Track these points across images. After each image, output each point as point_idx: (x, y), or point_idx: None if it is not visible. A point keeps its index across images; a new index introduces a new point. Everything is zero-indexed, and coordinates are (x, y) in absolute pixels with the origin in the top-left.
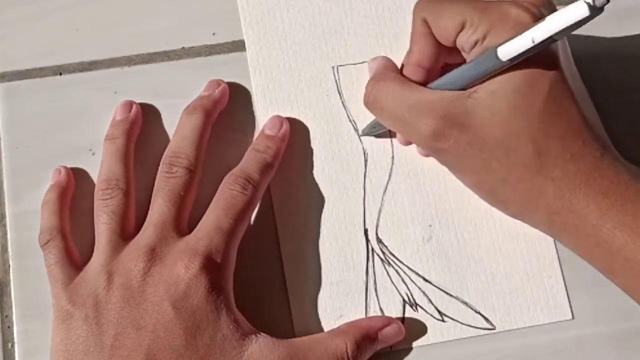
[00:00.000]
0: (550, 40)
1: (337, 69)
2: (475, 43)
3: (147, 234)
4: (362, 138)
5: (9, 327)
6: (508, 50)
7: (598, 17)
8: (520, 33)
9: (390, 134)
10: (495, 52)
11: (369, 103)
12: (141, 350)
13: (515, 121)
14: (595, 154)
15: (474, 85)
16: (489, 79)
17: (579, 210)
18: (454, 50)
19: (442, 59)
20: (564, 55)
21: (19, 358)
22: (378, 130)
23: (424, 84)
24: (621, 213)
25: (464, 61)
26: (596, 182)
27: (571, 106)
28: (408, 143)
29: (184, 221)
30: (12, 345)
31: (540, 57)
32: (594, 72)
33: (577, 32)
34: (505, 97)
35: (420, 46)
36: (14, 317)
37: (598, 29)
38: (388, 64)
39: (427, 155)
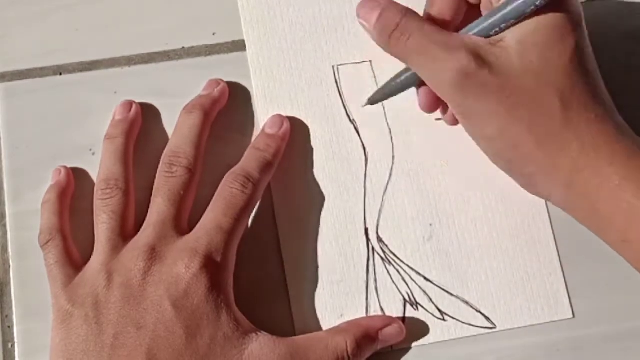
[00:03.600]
0: None
1: (338, 68)
2: None
3: (146, 233)
4: (363, 136)
5: (9, 327)
6: None
7: None
8: None
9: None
10: None
11: (393, 33)
12: (141, 350)
13: (544, 72)
14: (617, 120)
15: (501, 33)
16: (512, 25)
17: (603, 168)
18: (475, 8)
19: (462, 15)
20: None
21: (19, 358)
22: (388, 96)
23: (449, 22)
24: None
25: None
26: (620, 144)
27: (594, 68)
28: (432, 109)
29: (183, 220)
30: (12, 345)
31: (567, 14)
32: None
33: None
34: (536, 46)
35: None
36: (14, 317)
37: None
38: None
39: (454, 123)
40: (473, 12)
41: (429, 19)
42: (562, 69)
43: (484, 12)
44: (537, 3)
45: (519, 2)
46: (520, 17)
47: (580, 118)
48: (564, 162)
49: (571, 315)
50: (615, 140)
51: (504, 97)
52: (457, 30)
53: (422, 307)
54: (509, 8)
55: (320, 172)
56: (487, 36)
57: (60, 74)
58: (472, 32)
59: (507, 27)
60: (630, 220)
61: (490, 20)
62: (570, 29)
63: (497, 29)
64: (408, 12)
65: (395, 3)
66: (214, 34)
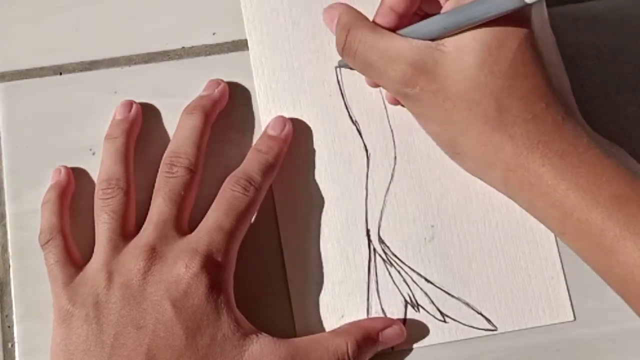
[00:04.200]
0: None
1: (340, 69)
2: None
3: (147, 233)
4: (365, 137)
5: (9, 326)
6: None
7: None
8: None
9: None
10: None
11: (342, 50)
12: (141, 350)
13: (480, 77)
14: (557, 117)
15: (443, 38)
16: (459, 33)
17: (535, 169)
18: None
19: (416, 5)
20: (538, 18)
21: (19, 358)
22: None
23: (394, 29)
24: (576, 175)
25: (439, 12)
26: (554, 144)
27: (538, 69)
28: (375, 85)
29: (184, 221)
30: (12, 345)
31: (512, 17)
32: (571, 38)
33: None
34: (473, 52)
35: None
36: (14, 317)
37: None
38: (353, 11)
39: (394, 103)
40: (430, 2)
41: (382, 9)
42: (499, 73)
43: (444, 8)
44: (496, 12)
45: (475, 9)
46: (468, 25)
47: (515, 120)
48: (498, 162)
49: (572, 318)
50: (550, 139)
51: (439, 101)
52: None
53: (423, 308)
54: (462, 15)
55: (322, 173)
56: (436, 38)
57: (60, 74)
58: (420, 32)
59: (452, 34)
60: (563, 217)
61: (437, 25)
62: (511, 34)
63: (443, 34)
64: (353, 27)
65: (348, 12)
66: (214, 34)
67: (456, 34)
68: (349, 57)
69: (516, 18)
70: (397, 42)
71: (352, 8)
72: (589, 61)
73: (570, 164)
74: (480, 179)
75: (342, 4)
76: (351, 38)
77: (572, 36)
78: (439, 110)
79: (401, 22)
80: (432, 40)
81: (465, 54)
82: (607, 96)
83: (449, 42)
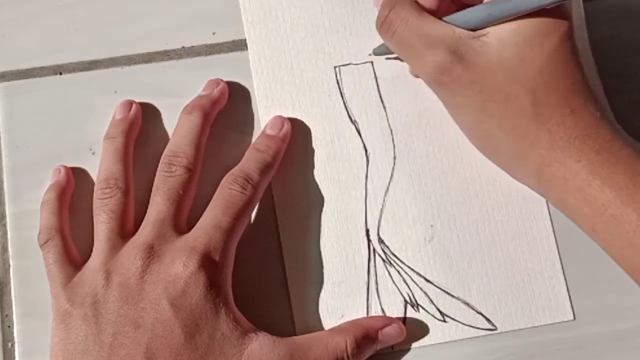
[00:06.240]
0: None
1: (339, 69)
2: None
3: (145, 232)
4: (364, 137)
5: (9, 326)
6: None
7: None
8: None
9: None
10: None
11: (382, 26)
12: (140, 349)
13: (520, 70)
14: (595, 114)
15: (485, 27)
16: (501, 23)
17: (570, 164)
18: None
19: None
20: (577, 17)
21: (19, 358)
22: (389, 53)
23: (434, 11)
24: (612, 171)
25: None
26: (591, 139)
27: (577, 66)
28: (417, 75)
29: (182, 220)
30: (12, 345)
31: (553, 13)
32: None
33: None
34: (516, 46)
35: None
36: (14, 316)
37: None
38: None
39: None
40: None
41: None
42: (538, 68)
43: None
44: (540, 3)
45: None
46: (511, 16)
47: (553, 114)
48: (533, 155)
49: (572, 317)
50: (587, 134)
51: (475, 91)
52: (455, 8)
53: (423, 308)
54: (507, 5)
55: (322, 172)
56: (477, 28)
57: (60, 74)
58: (463, 20)
59: (498, 23)
60: (596, 213)
61: (481, 14)
62: (553, 31)
63: (485, 24)
64: (398, 4)
65: None
66: (214, 34)
67: (498, 24)
68: (387, 34)
69: (558, 12)
70: (440, 28)
71: None
72: (613, 57)
73: (606, 161)
74: (510, 173)
75: None
76: (394, 15)
77: (595, 31)
78: (474, 100)
79: (441, 5)
80: (474, 29)
81: (506, 46)
82: (631, 92)
83: (491, 33)
